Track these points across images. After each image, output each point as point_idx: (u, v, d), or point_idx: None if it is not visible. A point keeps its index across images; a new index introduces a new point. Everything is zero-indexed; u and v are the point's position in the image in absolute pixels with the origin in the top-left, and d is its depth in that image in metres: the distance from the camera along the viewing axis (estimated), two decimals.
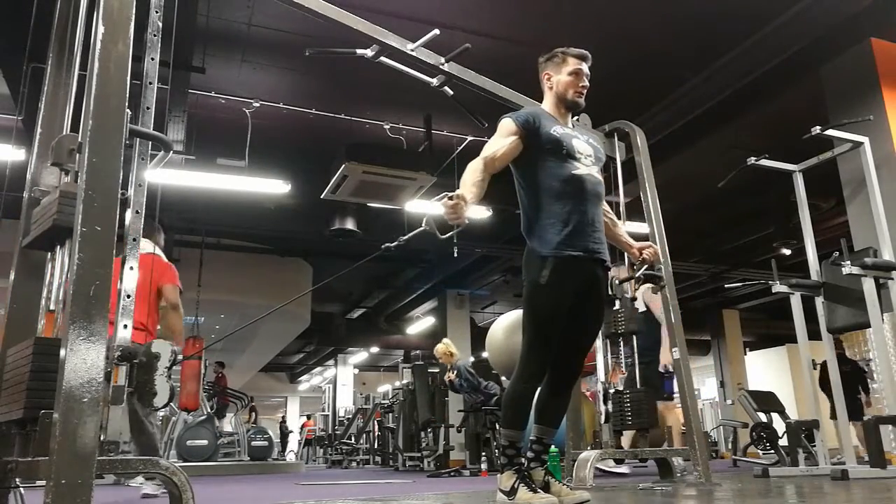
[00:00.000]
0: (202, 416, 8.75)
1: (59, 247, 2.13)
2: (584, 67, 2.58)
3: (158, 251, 4.27)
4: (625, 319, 4.38)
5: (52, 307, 2.13)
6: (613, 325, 4.42)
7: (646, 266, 2.74)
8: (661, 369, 5.10)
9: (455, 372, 7.38)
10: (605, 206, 2.71)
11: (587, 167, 2.50)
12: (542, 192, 2.46)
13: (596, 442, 4.82)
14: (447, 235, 2.29)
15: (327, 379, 21.57)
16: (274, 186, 7.14)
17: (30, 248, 2.20)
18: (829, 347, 4.76)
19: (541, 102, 2.71)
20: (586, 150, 2.53)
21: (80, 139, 1.89)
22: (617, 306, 4.52)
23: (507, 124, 2.50)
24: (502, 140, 2.45)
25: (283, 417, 22.41)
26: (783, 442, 5.84)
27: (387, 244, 2.67)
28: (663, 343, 5.01)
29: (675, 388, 4.62)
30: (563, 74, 2.56)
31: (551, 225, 2.43)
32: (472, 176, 2.33)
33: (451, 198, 2.15)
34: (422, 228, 2.31)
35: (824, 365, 9.00)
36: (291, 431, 20.57)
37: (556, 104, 2.60)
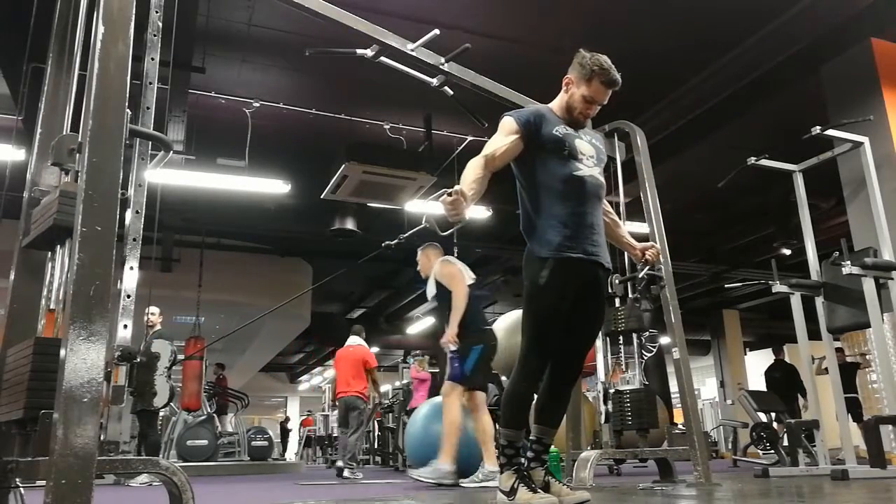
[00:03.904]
0: (202, 416, 8.74)
1: (59, 246, 2.13)
2: (605, 98, 2.50)
3: (361, 341, 7.36)
4: (625, 317, 4.36)
5: (52, 307, 2.14)
6: (614, 323, 4.40)
7: (648, 266, 2.77)
8: (444, 348, 4.31)
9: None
10: (607, 207, 2.70)
11: (589, 168, 2.47)
12: (543, 192, 2.44)
13: (596, 442, 4.82)
14: (447, 232, 2.28)
15: (327, 379, 21.54)
16: (274, 186, 7.14)
17: (30, 248, 2.20)
18: (829, 347, 4.76)
19: (541, 101, 2.70)
20: (588, 150, 2.51)
21: (80, 139, 1.89)
22: (617, 304, 4.51)
23: (508, 123, 2.47)
24: (503, 139, 2.44)
25: (287, 417, 22.34)
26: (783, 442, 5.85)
27: (387, 243, 2.65)
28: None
29: (467, 372, 4.16)
30: (581, 90, 2.48)
31: (551, 226, 2.41)
32: (473, 173, 2.32)
33: (450, 194, 2.14)
34: (422, 226, 2.31)
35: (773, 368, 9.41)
36: (291, 429, 20.53)
37: (564, 108, 2.55)
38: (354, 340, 7.47)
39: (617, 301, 4.51)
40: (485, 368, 4.33)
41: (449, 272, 4.32)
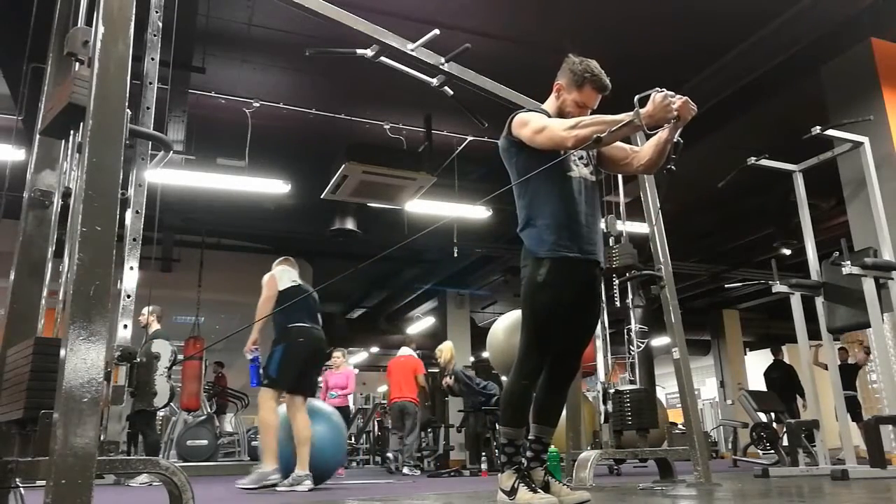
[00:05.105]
0: (202, 416, 8.74)
1: (73, 131, 2.17)
2: (596, 102, 2.52)
3: (412, 352, 8.40)
4: (619, 254, 4.34)
5: (68, 184, 2.23)
6: (608, 261, 4.36)
7: (680, 124, 2.26)
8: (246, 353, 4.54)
9: (453, 377, 7.65)
10: (629, 150, 2.62)
11: (579, 169, 2.52)
12: (537, 192, 2.47)
13: (596, 442, 4.82)
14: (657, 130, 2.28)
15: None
16: (274, 186, 7.14)
17: (45, 135, 2.24)
18: (830, 347, 4.76)
19: (541, 102, 2.71)
20: (579, 151, 2.54)
21: (90, 39, 1.97)
22: (611, 243, 4.51)
23: (534, 114, 2.49)
24: (547, 119, 2.44)
25: None
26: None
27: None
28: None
29: (271, 374, 4.22)
30: (573, 95, 2.51)
31: (546, 226, 2.43)
32: (588, 119, 2.30)
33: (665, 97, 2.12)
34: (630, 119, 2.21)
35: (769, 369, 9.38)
36: None
37: (556, 112, 2.58)
38: (405, 351, 8.42)
39: (611, 240, 4.54)
40: (292, 368, 4.28)
41: (264, 281, 4.47)
